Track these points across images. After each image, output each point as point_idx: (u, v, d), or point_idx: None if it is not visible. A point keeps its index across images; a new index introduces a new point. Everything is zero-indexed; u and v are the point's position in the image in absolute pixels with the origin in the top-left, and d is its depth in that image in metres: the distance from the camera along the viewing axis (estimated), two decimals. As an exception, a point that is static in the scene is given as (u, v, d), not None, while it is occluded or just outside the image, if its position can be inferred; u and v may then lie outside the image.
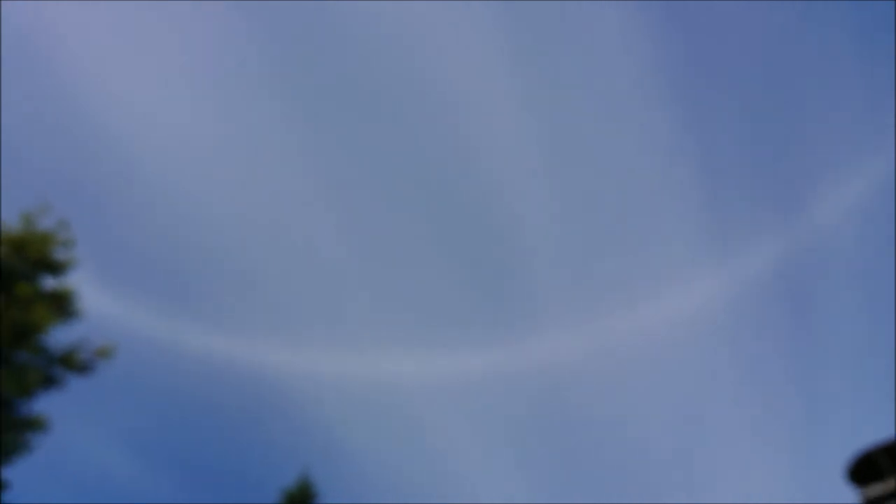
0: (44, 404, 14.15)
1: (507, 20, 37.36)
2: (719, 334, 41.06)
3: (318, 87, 37.70)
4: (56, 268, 14.66)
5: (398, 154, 40.12)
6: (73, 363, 13.95)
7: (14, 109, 32.50)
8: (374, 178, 40.25)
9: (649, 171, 41.44)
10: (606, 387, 41.38)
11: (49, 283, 14.62)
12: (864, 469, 24.03)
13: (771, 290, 40.83)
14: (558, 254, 41.51)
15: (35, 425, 13.11)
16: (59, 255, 14.80)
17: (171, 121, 34.62)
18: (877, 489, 23.67)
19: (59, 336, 14.48)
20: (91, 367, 14.23)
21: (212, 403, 35.13)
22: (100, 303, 33.48)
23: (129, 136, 34.48)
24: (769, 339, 39.56)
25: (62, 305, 14.49)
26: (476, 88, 38.48)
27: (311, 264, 39.20)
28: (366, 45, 37.67)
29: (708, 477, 38.12)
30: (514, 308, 41.37)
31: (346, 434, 36.19)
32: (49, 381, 13.79)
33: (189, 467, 33.43)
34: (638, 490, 36.80)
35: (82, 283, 32.41)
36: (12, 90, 32.43)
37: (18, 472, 14.21)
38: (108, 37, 33.10)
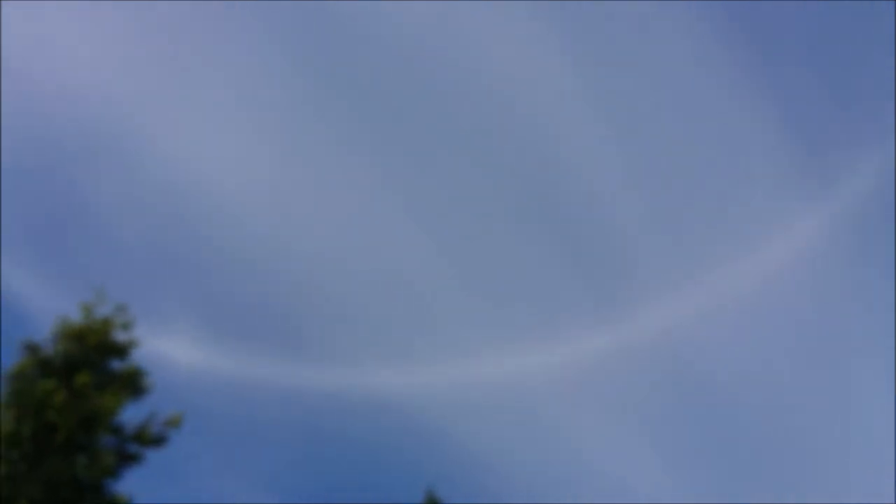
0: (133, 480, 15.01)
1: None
2: (831, 272, 38.72)
3: (368, 97, 38.09)
4: (119, 350, 15.47)
5: (468, 152, 39.96)
6: (145, 438, 14.68)
7: (95, 186, 34.51)
8: (451, 183, 40.32)
9: (724, 120, 39.61)
10: (730, 345, 39.79)
11: (116, 365, 15.54)
12: None
13: (872, 219, 38.11)
14: (647, 220, 40.34)
15: (119, 505, 13.94)
16: (120, 337, 15.69)
17: (233, 160, 35.80)
18: None
19: (134, 412, 15.36)
20: (164, 439, 14.97)
21: (337, 436, 36.08)
22: (212, 357, 34.98)
23: (201, 189, 35.89)
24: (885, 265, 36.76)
25: (131, 385, 15.33)
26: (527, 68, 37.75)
27: (408, 282, 39.62)
28: (423, 50, 37.69)
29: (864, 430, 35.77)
30: (615, 283, 40.46)
31: (475, 443, 36.35)
32: (127, 459, 14.65)
33: (326, 498, 34.49)
34: (791, 461, 34.92)
35: (191, 341, 33.99)
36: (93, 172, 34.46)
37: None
38: (158, 94, 34.49)
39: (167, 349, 33.56)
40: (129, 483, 14.73)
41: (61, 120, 33.20)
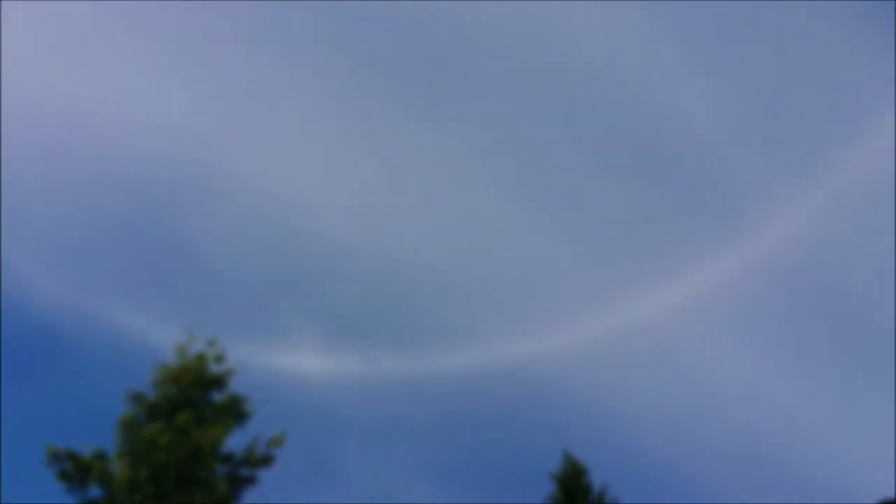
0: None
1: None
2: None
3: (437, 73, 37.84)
4: (216, 382, 16.18)
5: (558, 118, 38.96)
6: (253, 460, 15.41)
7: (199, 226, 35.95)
8: (540, 150, 39.49)
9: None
10: (860, 247, 37.30)
11: (216, 396, 16.30)
12: None
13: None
14: (738, 140, 38.27)
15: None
16: (215, 370, 16.43)
17: (318, 171, 36.44)
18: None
19: (241, 437, 16.10)
20: (270, 459, 15.61)
21: (473, 415, 36.48)
22: (339, 362, 36.00)
23: (294, 206, 36.80)
24: None
25: (233, 412, 16.05)
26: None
27: (511, 252, 39.30)
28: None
29: None
30: (720, 208, 38.75)
31: (610, 398, 35.82)
32: (241, 482, 15.38)
33: (474, 475, 34.99)
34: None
35: (316, 351, 35.07)
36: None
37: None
38: (233, 119, 35.50)
39: (296, 363, 35.04)
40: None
41: (148, 160, 34.70)
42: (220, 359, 16.44)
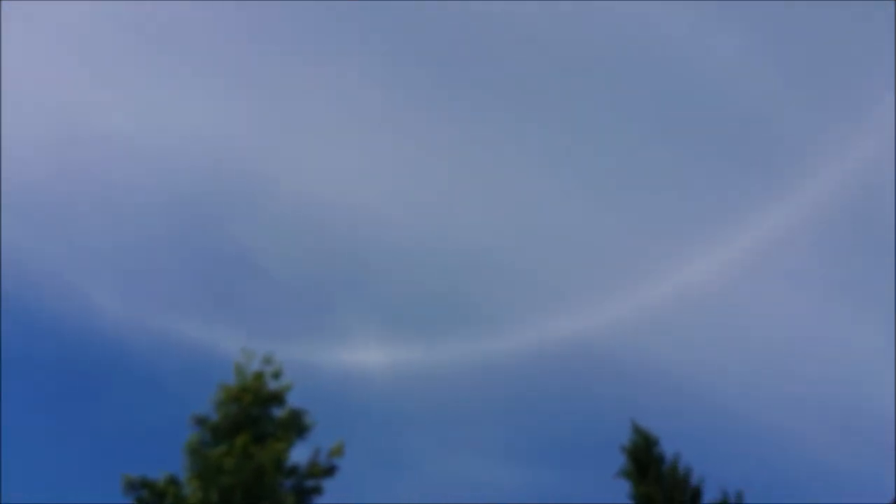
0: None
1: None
2: None
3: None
4: (275, 398, 16.74)
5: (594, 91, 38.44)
6: (317, 471, 15.94)
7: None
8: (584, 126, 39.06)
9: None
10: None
11: (276, 412, 16.87)
12: None
13: None
14: (782, 94, 37.19)
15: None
16: (273, 386, 16.99)
17: (360, 168, 36.74)
18: None
19: (304, 448, 16.65)
20: (333, 468, 16.10)
21: (540, 393, 36.66)
22: (401, 353, 36.54)
23: (340, 207, 37.24)
24: None
25: (294, 426, 16.59)
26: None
27: (560, 229, 39.13)
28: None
29: None
30: (768, 162, 37.82)
31: (676, 363, 35.53)
32: (308, 494, 15.94)
33: (545, 453, 35.31)
34: None
35: (379, 345, 35.65)
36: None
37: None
38: (271, 125, 35.96)
39: (357, 359, 35.77)
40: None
41: (192, 177, 35.54)
42: (277, 375, 16.97)
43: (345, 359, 35.04)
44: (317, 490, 15.86)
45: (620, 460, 19.93)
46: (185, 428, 16.48)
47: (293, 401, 17.00)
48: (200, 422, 16.11)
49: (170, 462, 16.23)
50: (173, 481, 15.35)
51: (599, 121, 38.71)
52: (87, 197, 34.20)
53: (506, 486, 33.80)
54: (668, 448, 19.92)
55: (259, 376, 16.81)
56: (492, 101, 38.35)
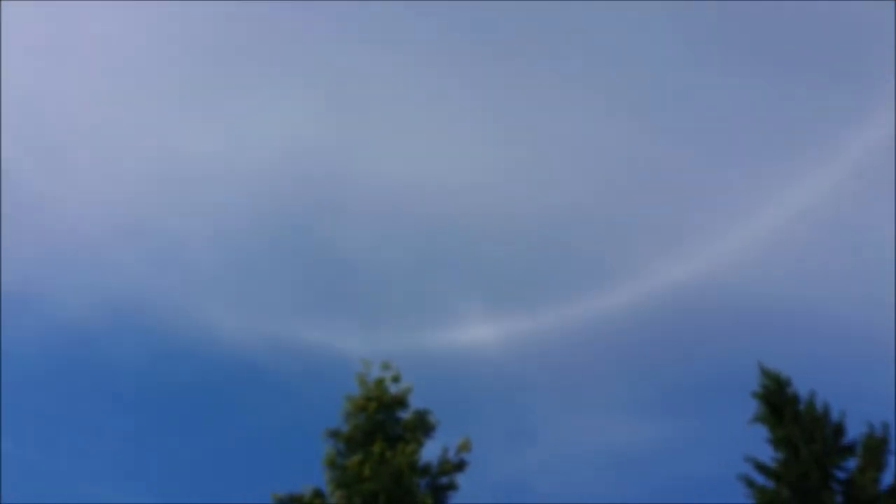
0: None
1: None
2: None
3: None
4: (398, 402, 17.53)
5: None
6: (448, 468, 16.69)
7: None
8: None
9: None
10: None
11: (402, 415, 17.67)
12: None
13: None
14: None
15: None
16: (394, 390, 17.78)
17: (440, 155, 37.01)
18: None
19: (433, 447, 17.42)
20: (464, 463, 16.82)
21: (656, 342, 36.50)
22: (506, 325, 36.98)
23: (424, 196, 37.55)
24: None
25: (420, 426, 17.35)
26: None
27: (668, 181, 38.40)
28: None
29: None
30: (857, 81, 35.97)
31: (795, 299, 34.54)
32: (444, 490, 16.71)
33: (674, 403, 35.21)
34: None
35: (485, 320, 36.11)
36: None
37: None
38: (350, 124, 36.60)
39: (468, 336, 36.44)
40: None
41: (283, 184, 36.67)
42: (397, 379, 17.75)
43: (456, 339, 35.81)
44: (451, 486, 16.61)
45: (751, 404, 19.53)
46: (315, 429, 17.52)
47: (415, 400, 17.76)
48: (334, 434, 17.06)
49: (308, 463, 17.38)
50: (318, 494, 16.37)
51: (668, 56, 37.67)
52: (189, 221, 35.94)
53: (636, 440, 34.08)
54: (801, 386, 19.35)
55: (380, 383, 17.61)
56: (554, 49, 37.82)
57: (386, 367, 17.86)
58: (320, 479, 16.88)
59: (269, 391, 34.02)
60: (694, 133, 37.37)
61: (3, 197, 32.79)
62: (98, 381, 33.28)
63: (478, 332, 36.75)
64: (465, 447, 16.75)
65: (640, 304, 36.92)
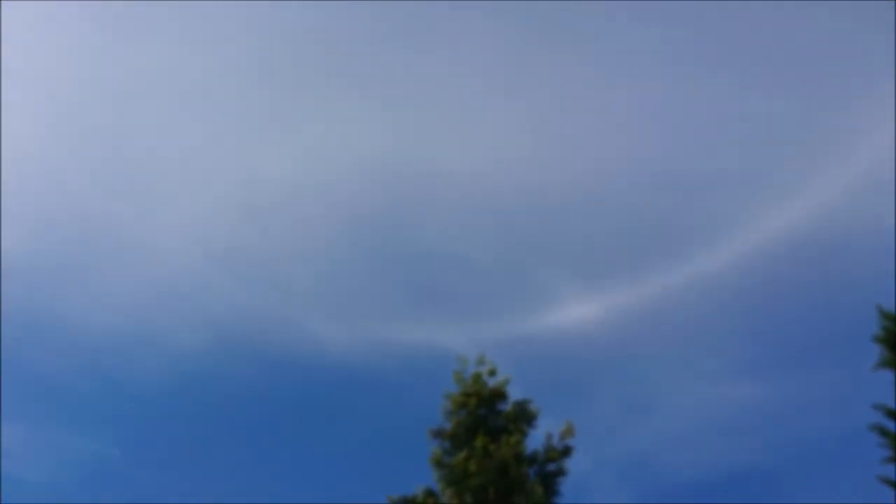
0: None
1: None
2: None
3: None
4: (497, 395, 17.50)
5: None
6: (553, 455, 16.55)
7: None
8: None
9: None
10: None
11: (502, 407, 17.62)
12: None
13: None
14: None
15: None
16: (492, 384, 17.75)
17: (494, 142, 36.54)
18: None
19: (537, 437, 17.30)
20: (569, 449, 16.65)
21: (771, 298, 35.27)
22: (596, 302, 36.50)
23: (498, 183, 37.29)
24: None
25: (522, 416, 17.27)
26: None
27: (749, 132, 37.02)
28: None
29: None
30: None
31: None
32: (553, 476, 16.58)
33: (791, 357, 33.97)
34: None
35: (578, 299, 35.63)
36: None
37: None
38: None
39: (574, 316, 36.04)
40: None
41: (364, 189, 37.02)
42: (493, 373, 17.76)
43: (557, 321, 35.51)
44: (560, 472, 16.51)
45: (874, 350, 18.52)
46: (424, 427, 17.67)
47: (522, 387, 17.75)
48: (438, 434, 17.18)
49: (419, 462, 17.55)
50: (430, 493, 16.52)
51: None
52: (278, 240, 36.84)
53: (757, 400, 33.04)
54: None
55: (477, 378, 17.64)
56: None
57: (481, 361, 17.91)
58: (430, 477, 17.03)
59: (376, 394, 34.62)
60: (778, 82, 35.75)
61: (102, 242, 34.61)
62: (215, 403, 34.60)
63: (579, 311, 36.32)
64: (568, 433, 16.61)
65: (743, 260, 35.73)
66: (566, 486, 16.75)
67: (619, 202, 37.42)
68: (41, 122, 35.44)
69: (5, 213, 34.18)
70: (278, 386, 34.68)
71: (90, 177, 35.63)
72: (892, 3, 31.07)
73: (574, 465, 16.95)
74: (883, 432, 17.63)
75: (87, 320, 34.48)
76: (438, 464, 16.61)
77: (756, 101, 36.23)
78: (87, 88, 35.25)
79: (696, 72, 36.81)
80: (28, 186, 35.34)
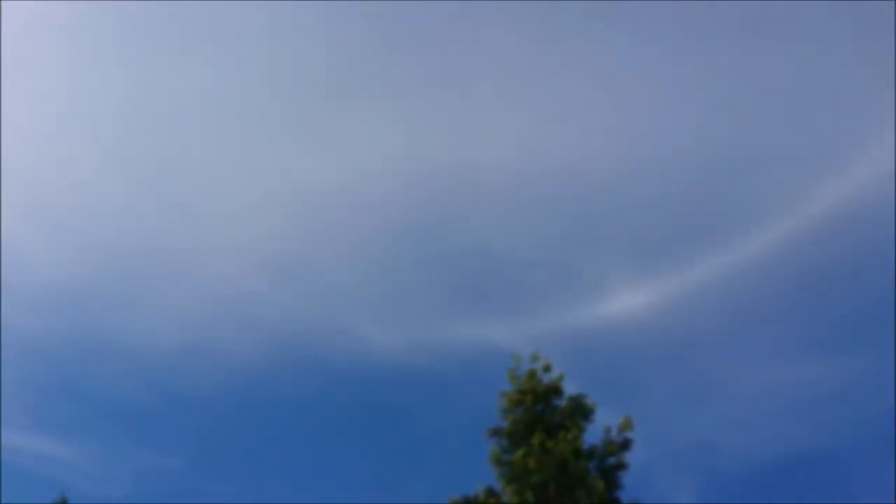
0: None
1: None
2: None
3: None
4: (553, 391, 17.48)
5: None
6: (613, 448, 16.48)
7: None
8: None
9: None
10: None
11: (558, 402, 17.60)
12: None
13: None
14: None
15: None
16: (546, 380, 17.73)
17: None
18: None
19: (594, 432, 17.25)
20: (628, 441, 16.56)
21: (834, 272, 34.56)
22: (651, 289, 36.13)
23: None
24: None
25: (578, 411, 17.22)
26: None
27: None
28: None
29: None
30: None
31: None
32: (614, 470, 16.51)
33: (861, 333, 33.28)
34: None
35: (631, 288, 35.31)
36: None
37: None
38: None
39: (625, 306, 35.76)
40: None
41: (409, 190, 37.14)
42: (547, 369, 17.74)
43: (610, 311, 35.24)
44: (621, 466, 16.44)
45: None
46: (481, 425, 17.75)
47: (578, 380, 17.73)
48: (495, 432, 17.23)
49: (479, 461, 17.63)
50: (492, 493, 16.60)
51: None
52: (325, 248, 37.22)
53: (821, 380, 32.47)
54: None
55: (532, 375, 17.64)
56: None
57: (535, 358, 17.90)
58: (490, 476, 17.10)
59: (430, 396, 34.81)
60: (816, 53, 34.89)
61: (156, 265, 35.47)
62: (275, 412, 35.21)
63: (630, 299, 36.02)
64: (627, 425, 16.54)
65: (796, 238, 35.00)
66: (628, 479, 16.68)
67: (662, 185, 36.95)
68: (91, 153, 36.40)
69: (67, 244, 35.49)
70: (335, 392, 35.14)
71: (139, 203, 36.52)
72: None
73: (634, 457, 16.90)
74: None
75: (148, 341, 35.39)
76: (498, 462, 16.67)
77: (801, 76, 35.51)
78: (127, 117, 36.12)
79: (735, 47, 36.21)
80: (84, 216, 36.44)
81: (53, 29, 35.51)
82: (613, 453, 16.39)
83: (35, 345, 35.01)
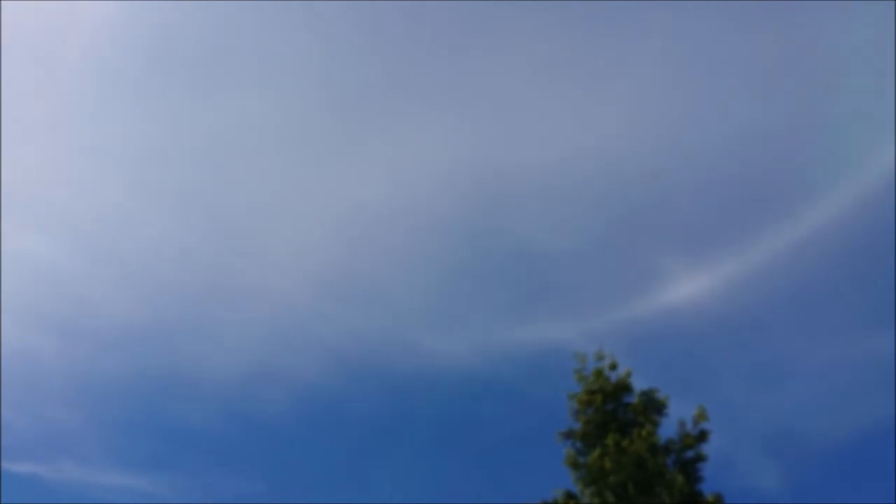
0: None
1: None
2: None
3: None
4: (622, 388, 17.35)
5: None
6: (689, 441, 16.27)
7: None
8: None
9: None
10: None
11: (629, 399, 17.46)
12: None
13: None
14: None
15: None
16: (614, 378, 17.61)
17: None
18: None
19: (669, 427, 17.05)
20: (705, 433, 16.32)
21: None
22: (705, 277, 35.64)
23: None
24: None
25: (651, 407, 17.06)
26: None
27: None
28: None
29: None
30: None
31: None
32: (693, 463, 16.30)
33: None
34: None
35: (690, 277, 34.74)
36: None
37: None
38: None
39: (686, 294, 35.26)
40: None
41: (456, 195, 37.12)
42: (614, 366, 17.62)
43: (669, 299, 34.77)
44: (699, 458, 16.24)
45: None
46: (551, 427, 17.70)
47: (644, 375, 17.59)
48: (568, 435, 17.17)
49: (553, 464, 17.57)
50: (570, 496, 16.52)
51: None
52: (379, 262, 37.42)
53: (890, 350, 31.50)
54: None
55: (599, 374, 17.54)
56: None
57: (600, 356, 17.79)
58: (565, 479, 17.04)
59: (497, 401, 34.78)
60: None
61: (219, 294, 36.23)
62: (344, 429, 35.62)
63: (690, 286, 35.51)
64: (701, 416, 16.35)
65: (854, 206, 34.10)
66: (707, 471, 16.45)
67: (711, 164, 36.36)
68: (143, 192, 37.32)
69: (134, 286, 36.57)
70: (403, 405, 35.34)
71: (197, 235, 37.30)
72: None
73: (712, 447, 16.66)
74: None
75: (217, 368, 36.17)
76: (574, 464, 16.59)
77: (846, 40, 34.62)
78: (172, 150, 36.96)
79: (775, 14, 35.41)
80: (146, 258, 37.43)
81: (96, 73, 36.48)
82: (690, 446, 16.19)
83: (112, 386, 36.17)
